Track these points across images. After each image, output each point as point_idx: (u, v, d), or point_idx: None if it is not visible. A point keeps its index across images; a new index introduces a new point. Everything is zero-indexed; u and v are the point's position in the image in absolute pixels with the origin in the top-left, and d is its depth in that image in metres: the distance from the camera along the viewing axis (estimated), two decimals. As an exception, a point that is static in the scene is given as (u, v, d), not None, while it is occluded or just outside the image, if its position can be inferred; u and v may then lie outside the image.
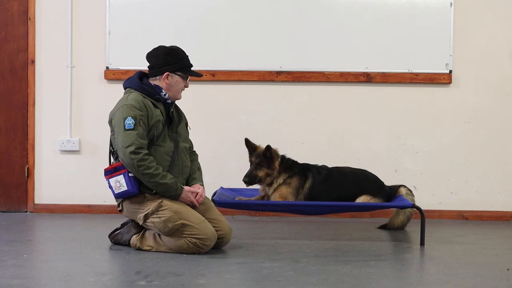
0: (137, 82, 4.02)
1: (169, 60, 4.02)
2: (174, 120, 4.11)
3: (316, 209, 4.59)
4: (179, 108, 4.25)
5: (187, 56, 4.11)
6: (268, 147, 4.53)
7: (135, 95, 3.95)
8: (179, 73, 4.04)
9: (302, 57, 5.31)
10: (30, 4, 5.35)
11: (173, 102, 4.11)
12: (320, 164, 4.75)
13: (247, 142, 4.61)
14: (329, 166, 4.77)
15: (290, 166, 4.64)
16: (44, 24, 5.37)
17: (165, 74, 4.02)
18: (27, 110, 5.40)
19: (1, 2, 5.39)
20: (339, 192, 4.61)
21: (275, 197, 4.56)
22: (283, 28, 5.31)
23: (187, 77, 4.10)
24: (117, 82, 5.23)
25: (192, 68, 4.13)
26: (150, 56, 4.09)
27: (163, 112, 4.02)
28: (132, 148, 3.81)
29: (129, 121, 3.85)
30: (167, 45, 4.14)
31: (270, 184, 4.59)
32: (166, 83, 4.03)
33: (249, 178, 4.55)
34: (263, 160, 4.55)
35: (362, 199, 4.60)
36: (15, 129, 5.42)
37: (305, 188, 4.60)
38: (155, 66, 4.05)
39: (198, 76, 4.18)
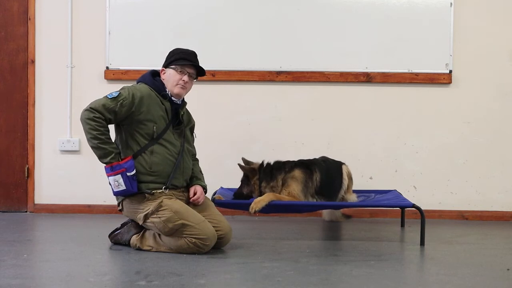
0: (149, 77, 4.09)
1: (166, 57, 4.09)
2: (183, 122, 4.12)
3: (313, 208, 4.59)
4: (189, 113, 4.25)
5: (189, 52, 4.05)
6: (240, 166, 4.55)
7: (143, 86, 4.01)
8: (172, 66, 4.05)
9: (302, 57, 5.31)
10: (30, 4, 5.35)
11: (182, 104, 4.10)
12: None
13: (240, 166, 4.57)
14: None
15: (272, 173, 4.57)
16: (44, 24, 5.38)
17: (161, 70, 4.08)
18: (27, 110, 5.39)
19: (1, 2, 5.39)
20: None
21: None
22: (283, 28, 5.31)
23: (186, 72, 4.01)
24: (117, 82, 5.23)
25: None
26: None
27: (169, 110, 4.02)
28: (89, 107, 3.83)
29: (115, 94, 3.88)
30: (168, 45, 4.16)
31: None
32: (163, 79, 4.06)
33: (234, 196, 4.64)
34: (244, 179, 4.60)
35: None
36: (15, 129, 5.42)
37: (316, 182, 4.60)
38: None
39: (192, 64, 4.02)
